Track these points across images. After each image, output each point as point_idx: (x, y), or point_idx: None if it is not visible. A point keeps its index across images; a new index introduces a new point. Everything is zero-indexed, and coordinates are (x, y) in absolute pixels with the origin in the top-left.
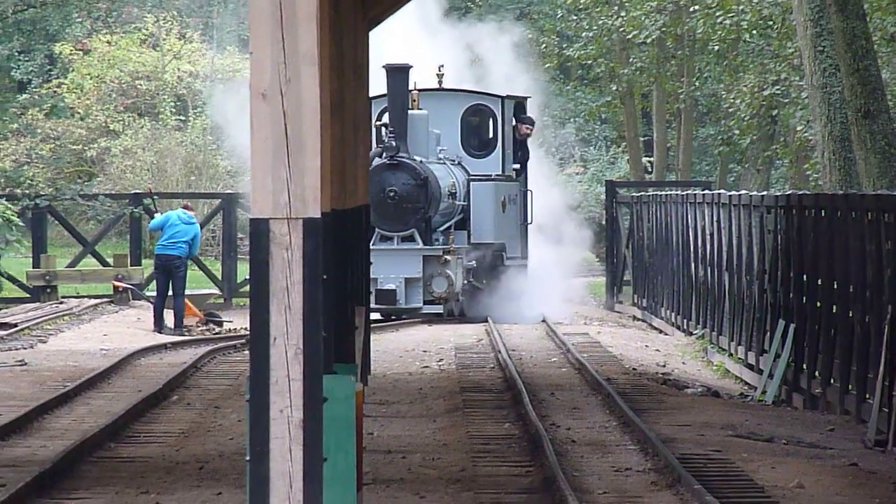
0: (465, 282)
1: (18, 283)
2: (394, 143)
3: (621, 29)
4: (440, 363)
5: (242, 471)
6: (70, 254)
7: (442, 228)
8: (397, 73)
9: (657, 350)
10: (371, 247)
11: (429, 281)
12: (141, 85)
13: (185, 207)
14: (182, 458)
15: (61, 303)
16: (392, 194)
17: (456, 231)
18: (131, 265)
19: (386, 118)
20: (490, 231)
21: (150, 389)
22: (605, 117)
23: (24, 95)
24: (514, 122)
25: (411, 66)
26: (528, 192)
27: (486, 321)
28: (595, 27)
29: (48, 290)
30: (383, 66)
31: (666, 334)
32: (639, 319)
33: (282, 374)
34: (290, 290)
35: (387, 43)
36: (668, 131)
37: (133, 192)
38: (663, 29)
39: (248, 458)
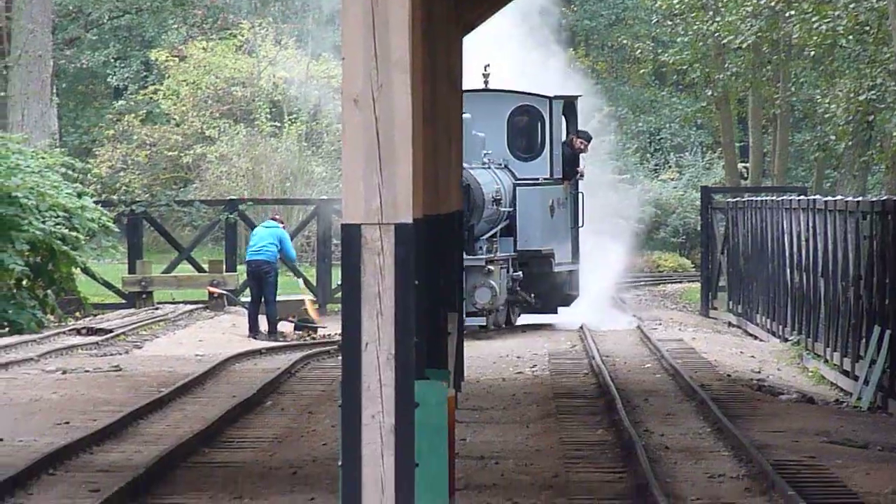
0: (510, 292)
1: (114, 289)
2: None
3: (717, 34)
4: (534, 369)
5: (335, 476)
6: (165, 260)
7: (486, 236)
8: None
9: (752, 356)
10: None
11: (471, 292)
12: (236, 91)
13: (273, 219)
14: (275, 463)
15: (157, 308)
16: None
17: (501, 238)
18: (226, 271)
19: None
20: (538, 237)
21: (244, 395)
22: (701, 123)
23: (121, 102)
24: (565, 128)
25: None
26: (580, 195)
27: (580, 327)
28: (690, 32)
29: (144, 296)
30: None
31: (761, 340)
32: (733, 325)
33: (374, 379)
34: (381, 295)
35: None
36: (763, 137)
37: (228, 198)
38: (759, 34)
39: (340, 463)
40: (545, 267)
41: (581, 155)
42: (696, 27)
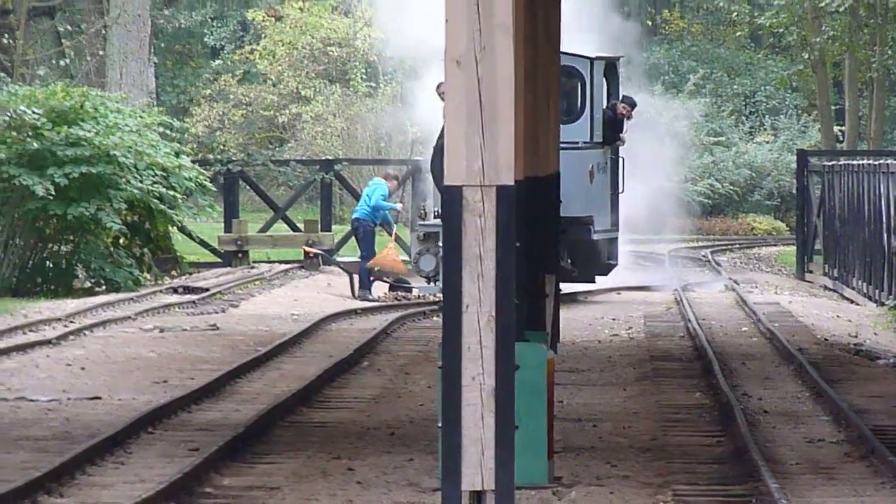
0: None
1: (210, 248)
2: None
3: None
4: (629, 331)
5: (433, 437)
6: (261, 219)
7: None
8: None
9: (849, 320)
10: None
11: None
12: (332, 51)
13: (384, 176)
14: (373, 423)
15: (252, 268)
16: None
17: None
18: (321, 230)
19: None
20: (578, 204)
21: (340, 355)
22: (796, 86)
23: (217, 61)
24: (606, 90)
25: None
26: (621, 160)
27: (675, 290)
28: None
29: (240, 255)
30: None
31: (857, 304)
32: (829, 289)
33: (474, 341)
34: (482, 257)
35: None
36: (859, 100)
37: (323, 158)
38: None
39: (440, 424)
40: (584, 234)
41: (625, 121)
42: None
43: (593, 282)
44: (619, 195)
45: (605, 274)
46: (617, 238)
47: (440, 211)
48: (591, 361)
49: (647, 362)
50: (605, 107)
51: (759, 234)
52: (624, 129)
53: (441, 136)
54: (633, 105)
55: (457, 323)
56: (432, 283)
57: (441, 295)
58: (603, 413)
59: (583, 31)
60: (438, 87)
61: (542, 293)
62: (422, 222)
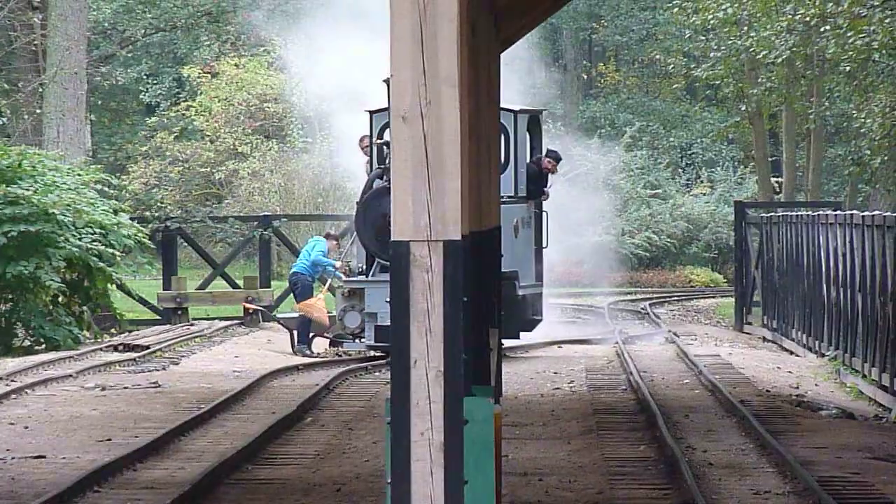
0: None
1: (150, 306)
2: None
3: (750, 49)
4: (571, 385)
5: (380, 493)
6: (200, 276)
7: None
8: None
9: (789, 372)
10: (369, 278)
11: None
12: (268, 107)
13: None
14: (319, 479)
15: (192, 325)
16: None
17: None
18: (261, 287)
19: (387, 135)
20: (503, 259)
21: (284, 411)
22: (733, 138)
23: (153, 118)
24: (529, 143)
25: None
26: (544, 214)
27: (616, 343)
28: (724, 47)
29: (179, 312)
30: (384, 80)
31: (797, 356)
32: (768, 341)
33: (423, 396)
34: (430, 312)
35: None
36: (796, 152)
37: (261, 214)
38: (793, 49)
39: (388, 480)
40: (509, 289)
41: (549, 175)
42: (729, 42)
43: (517, 338)
44: (544, 250)
45: (530, 330)
46: (541, 293)
47: (363, 267)
48: (534, 415)
49: (590, 416)
50: (529, 160)
51: (697, 287)
52: (548, 184)
53: (364, 193)
54: (557, 159)
55: (405, 378)
56: (357, 340)
57: (367, 351)
58: (548, 467)
59: (514, 85)
60: (361, 140)
61: (487, 347)
62: (346, 278)
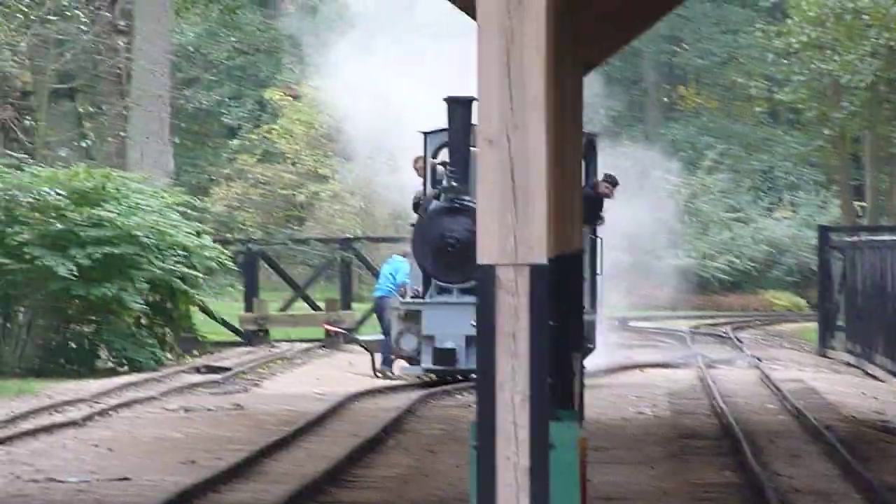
0: None
1: (231, 328)
2: (454, 185)
3: (834, 73)
4: (654, 409)
5: None
6: (280, 298)
7: None
8: (460, 106)
9: (874, 397)
10: (427, 300)
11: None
12: (351, 130)
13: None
14: (401, 503)
15: (274, 347)
16: (453, 242)
17: None
18: (342, 309)
19: (442, 155)
20: None
21: (366, 434)
22: (815, 161)
23: (236, 141)
24: (585, 166)
25: (475, 99)
26: (599, 240)
27: (698, 367)
28: (806, 71)
29: (260, 334)
30: (444, 99)
31: (881, 381)
32: (852, 366)
33: (508, 420)
34: (516, 336)
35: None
36: (880, 175)
37: (342, 236)
38: (877, 73)
39: None
40: None
41: (605, 199)
42: (812, 66)
43: None
44: (599, 276)
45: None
46: (594, 321)
47: (419, 289)
48: (617, 439)
49: (674, 440)
50: (584, 184)
51: (778, 311)
52: (604, 209)
53: (421, 216)
54: (614, 183)
55: (490, 402)
56: (414, 364)
57: (424, 375)
58: (633, 492)
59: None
60: (416, 161)
61: (572, 371)
62: (403, 300)
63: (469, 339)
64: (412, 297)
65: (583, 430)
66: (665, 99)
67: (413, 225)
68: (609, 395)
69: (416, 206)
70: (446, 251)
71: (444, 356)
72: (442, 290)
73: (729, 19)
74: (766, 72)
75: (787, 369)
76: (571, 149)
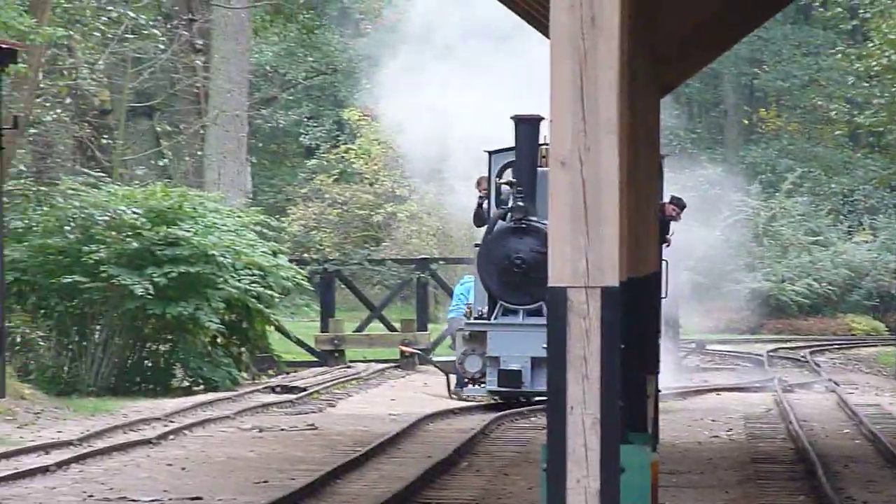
0: None
1: (307, 347)
2: (521, 204)
3: None
4: (729, 433)
5: None
6: (356, 318)
7: None
8: (527, 125)
9: None
10: (492, 321)
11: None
12: (429, 150)
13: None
14: None
15: (349, 367)
16: (519, 262)
17: None
18: (417, 330)
19: (507, 175)
20: None
21: (439, 455)
22: (895, 185)
23: (313, 161)
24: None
25: (543, 118)
26: (664, 262)
27: (775, 391)
28: (887, 94)
29: (336, 355)
30: (511, 118)
31: None
32: None
33: (579, 443)
34: (587, 359)
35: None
36: None
37: (419, 257)
38: None
39: None
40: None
41: (672, 222)
42: (893, 90)
43: None
44: (664, 300)
45: None
46: (659, 343)
47: (484, 310)
48: (691, 463)
49: (748, 464)
50: None
51: (857, 335)
52: (670, 231)
53: (487, 235)
54: (682, 206)
55: (561, 425)
56: (478, 385)
57: (490, 397)
58: None
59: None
60: (479, 182)
61: (644, 394)
62: (468, 321)
63: (535, 361)
64: (477, 318)
65: (655, 454)
66: (745, 121)
67: (477, 245)
68: (685, 419)
69: (478, 224)
70: (512, 272)
71: (510, 378)
72: (507, 311)
73: (810, 41)
74: (846, 95)
75: (865, 394)
76: (646, 171)
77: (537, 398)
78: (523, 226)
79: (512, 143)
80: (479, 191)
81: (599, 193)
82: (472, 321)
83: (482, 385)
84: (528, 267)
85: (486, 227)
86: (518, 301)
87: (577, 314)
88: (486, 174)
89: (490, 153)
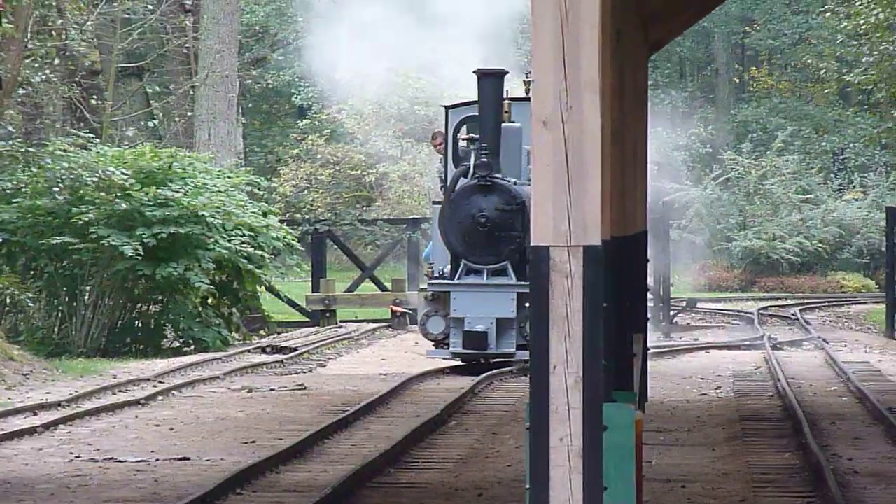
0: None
1: (298, 308)
2: (485, 161)
3: None
4: (718, 391)
5: (521, 498)
6: (348, 278)
7: None
8: (490, 80)
9: None
10: (455, 281)
11: (523, 322)
12: (419, 110)
13: None
14: (461, 484)
15: (340, 327)
16: (483, 221)
17: None
18: (409, 290)
19: (464, 131)
20: None
21: (428, 415)
22: (886, 143)
23: (305, 121)
24: None
25: (507, 73)
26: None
27: (764, 348)
28: (876, 52)
29: (327, 315)
30: (474, 72)
31: None
32: None
33: (562, 402)
34: (570, 318)
35: None
36: None
37: (411, 216)
38: None
39: (527, 486)
40: None
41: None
42: (881, 47)
43: None
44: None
45: None
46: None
47: (445, 270)
48: (679, 421)
49: (736, 422)
50: None
51: (848, 292)
52: None
53: (449, 192)
54: None
55: (544, 384)
56: (441, 348)
57: (453, 359)
58: (692, 474)
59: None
60: (434, 137)
61: (630, 353)
62: (431, 281)
63: (499, 322)
64: (438, 278)
65: (640, 412)
66: (736, 80)
67: (437, 202)
68: (674, 377)
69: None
70: (476, 230)
71: (475, 339)
72: (471, 271)
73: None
74: (836, 53)
75: (853, 351)
76: (635, 129)
77: (497, 359)
78: (488, 183)
79: (469, 98)
80: (436, 146)
81: (582, 153)
82: (433, 281)
83: (445, 347)
84: (492, 225)
85: (446, 184)
86: (483, 261)
87: (559, 273)
88: (443, 130)
89: (447, 108)
